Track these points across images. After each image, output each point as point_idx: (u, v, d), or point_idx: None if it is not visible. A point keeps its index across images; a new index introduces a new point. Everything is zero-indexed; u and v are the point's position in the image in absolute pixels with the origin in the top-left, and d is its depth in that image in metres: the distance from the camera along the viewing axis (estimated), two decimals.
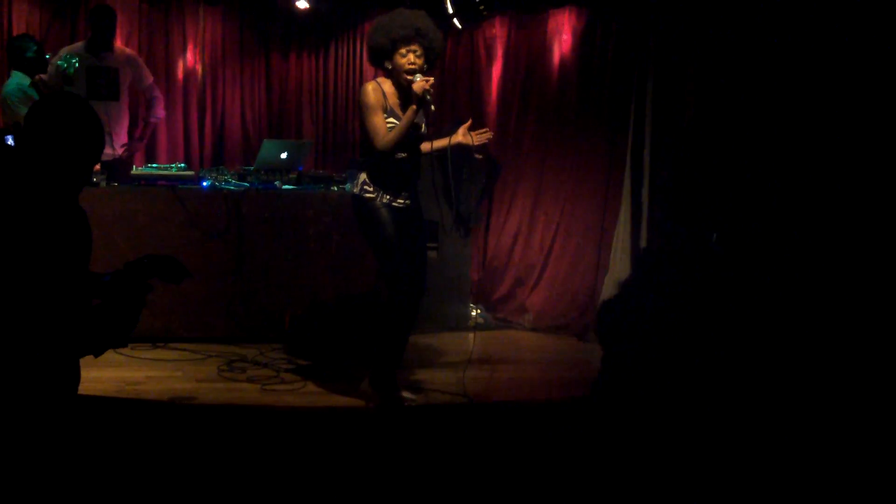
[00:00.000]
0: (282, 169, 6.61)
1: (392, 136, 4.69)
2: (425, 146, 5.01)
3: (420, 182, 5.06)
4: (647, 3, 6.72)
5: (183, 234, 6.14)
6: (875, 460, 3.55)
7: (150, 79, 7.43)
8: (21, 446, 2.41)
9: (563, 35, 7.43)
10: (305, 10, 8.39)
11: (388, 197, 4.79)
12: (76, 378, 2.63)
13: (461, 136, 5.03)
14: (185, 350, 5.98)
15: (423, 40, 4.75)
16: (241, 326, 6.28)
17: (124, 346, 2.66)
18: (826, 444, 3.67)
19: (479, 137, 5.06)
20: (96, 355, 2.61)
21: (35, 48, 6.51)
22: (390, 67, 4.80)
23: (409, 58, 4.73)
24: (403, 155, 4.80)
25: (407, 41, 4.72)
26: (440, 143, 5.06)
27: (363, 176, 4.84)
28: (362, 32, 8.76)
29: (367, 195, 4.80)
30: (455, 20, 7.92)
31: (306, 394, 5.15)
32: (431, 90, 4.65)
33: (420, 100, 4.63)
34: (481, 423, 4.57)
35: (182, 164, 6.72)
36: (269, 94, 8.80)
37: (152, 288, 2.67)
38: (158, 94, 7.52)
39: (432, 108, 4.70)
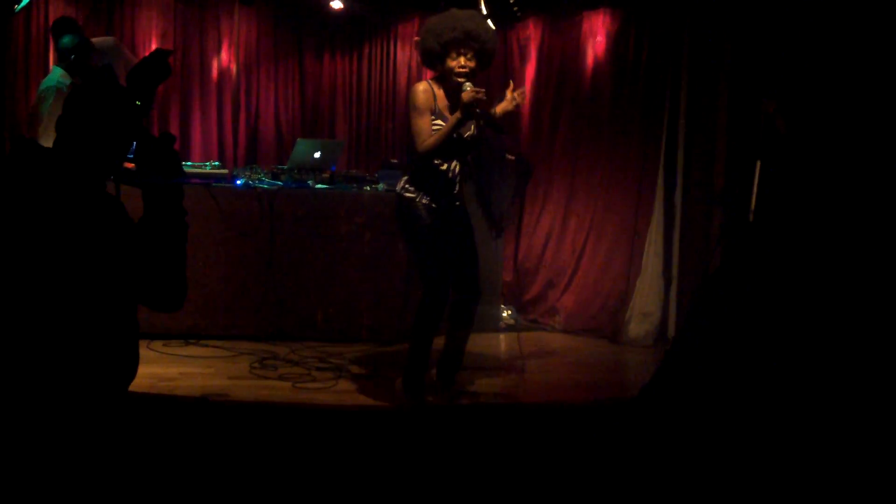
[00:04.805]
0: (315, 168, 6.63)
1: (433, 140, 4.63)
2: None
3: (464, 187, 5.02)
4: (681, 5, 6.70)
5: (216, 231, 6.18)
6: None
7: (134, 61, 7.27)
8: (68, 442, 2.44)
9: (596, 37, 7.41)
10: (340, 10, 8.41)
11: (427, 199, 4.75)
12: (133, 369, 2.65)
13: (508, 101, 4.81)
14: (217, 347, 6.02)
15: (475, 43, 4.66)
16: (274, 324, 6.31)
17: (185, 240, 2.69)
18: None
19: (519, 97, 4.89)
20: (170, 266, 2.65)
21: (75, 46, 6.43)
22: (441, 70, 4.75)
23: (459, 61, 4.64)
24: (446, 165, 4.76)
25: (457, 44, 4.64)
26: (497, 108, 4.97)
27: (406, 177, 4.81)
28: (396, 33, 8.78)
29: (408, 195, 4.78)
30: (489, 21, 7.91)
31: (337, 392, 5.17)
32: (481, 98, 4.54)
33: (467, 109, 4.53)
34: (512, 425, 4.56)
35: (216, 163, 6.75)
36: (303, 93, 8.84)
37: (174, 137, 2.71)
38: None
39: (480, 122, 4.65)
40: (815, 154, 5.13)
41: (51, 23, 7.53)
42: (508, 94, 4.82)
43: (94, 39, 6.82)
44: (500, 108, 4.86)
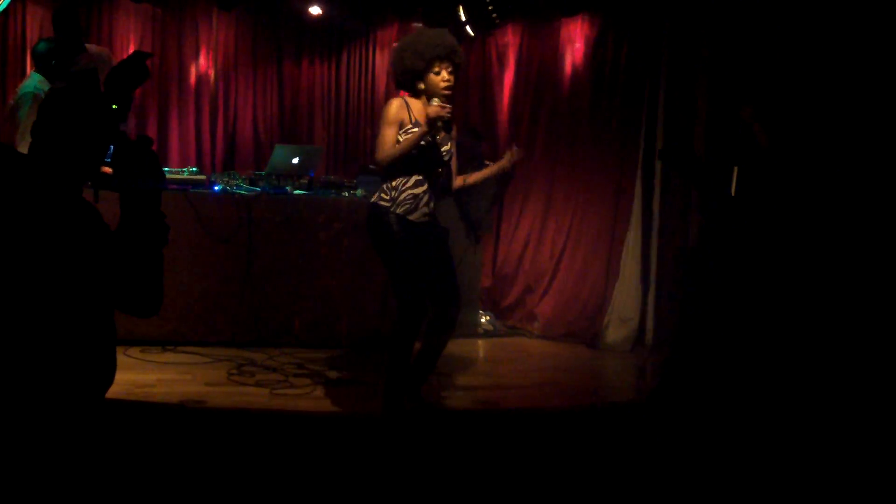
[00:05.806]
0: (293, 174, 6.62)
1: (392, 151, 4.61)
2: (459, 181, 5.22)
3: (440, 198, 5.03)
4: (659, 12, 6.73)
5: (194, 238, 6.15)
6: None
7: None
8: (44, 448, 2.43)
9: (575, 43, 7.44)
10: (318, 16, 8.41)
11: (403, 209, 4.67)
12: (110, 376, 2.64)
13: (507, 161, 5.45)
14: (194, 354, 5.99)
15: (456, 57, 4.69)
16: (251, 330, 6.28)
17: (166, 242, 2.69)
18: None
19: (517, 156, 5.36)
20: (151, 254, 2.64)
21: (51, 51, 6.33)
22: (423, 87, 4.70)
23: (442, 75, 4.65)
24: (424, 179, 4.72)
25: (441, 59, 4.65)
26: (479, 175, 5.25)
27: (384, 186, 4.73)
28: (375, 40, 8.78)
29: (383, 203, 4.73)
30: (468, 27, 7.93)
31: (314, 399, 5.15)
32: (445, 116, 4.56)
33: (431, 124, 4.54)
34: (488, 431, 4.56)
35: (194, 169, 6.72)
36: (282, 99, 8.82)
37: (151, 141, 2.70)
38: None
39: (442, 134, 4.67)
40: (795, 158, 5.18)
41: (28, 29, 7.49)
42: (508, 154, 5.57)
43: (89, 46, 6.75)
44: (497, 166, 5.64)
